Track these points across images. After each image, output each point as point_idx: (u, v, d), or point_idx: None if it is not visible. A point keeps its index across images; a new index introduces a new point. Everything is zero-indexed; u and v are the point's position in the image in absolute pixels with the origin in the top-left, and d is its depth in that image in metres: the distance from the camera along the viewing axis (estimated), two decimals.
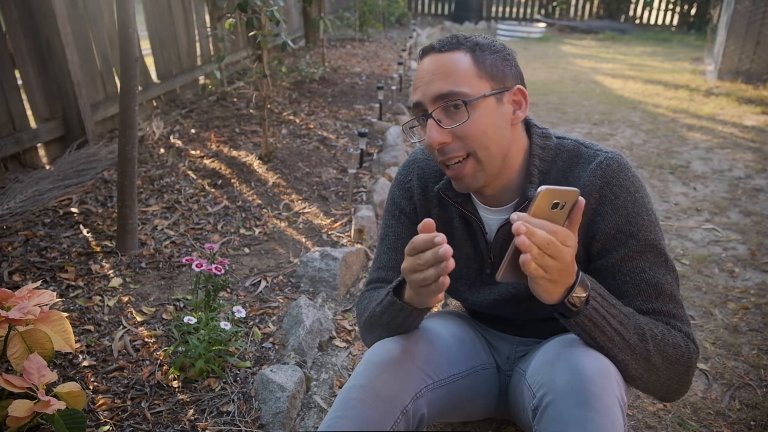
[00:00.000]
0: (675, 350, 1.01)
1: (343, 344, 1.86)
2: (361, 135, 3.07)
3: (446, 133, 1.02)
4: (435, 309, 2.05)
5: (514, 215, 0.87)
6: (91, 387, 1.56)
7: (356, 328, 1.93)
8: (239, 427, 1.45)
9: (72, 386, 1.29)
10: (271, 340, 1.81)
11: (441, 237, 0.90)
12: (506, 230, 1.14)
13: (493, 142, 1.04)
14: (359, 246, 2.37)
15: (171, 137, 3.60)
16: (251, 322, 1.89)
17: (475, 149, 1.03)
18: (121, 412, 1.48)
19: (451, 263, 0.90)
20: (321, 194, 2.87)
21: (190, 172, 3.06)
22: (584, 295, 0.93)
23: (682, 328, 1.05)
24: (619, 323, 0.97)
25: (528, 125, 1.15)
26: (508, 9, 12.59)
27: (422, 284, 0.94)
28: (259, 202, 2.77)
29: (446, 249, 0.89)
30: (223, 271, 1.65)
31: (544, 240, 0.85)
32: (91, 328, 1.81)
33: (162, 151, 3.37)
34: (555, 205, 0.88)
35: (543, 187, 0.87)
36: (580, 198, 0.90)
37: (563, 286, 0.92)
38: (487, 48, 1.06)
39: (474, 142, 1.03)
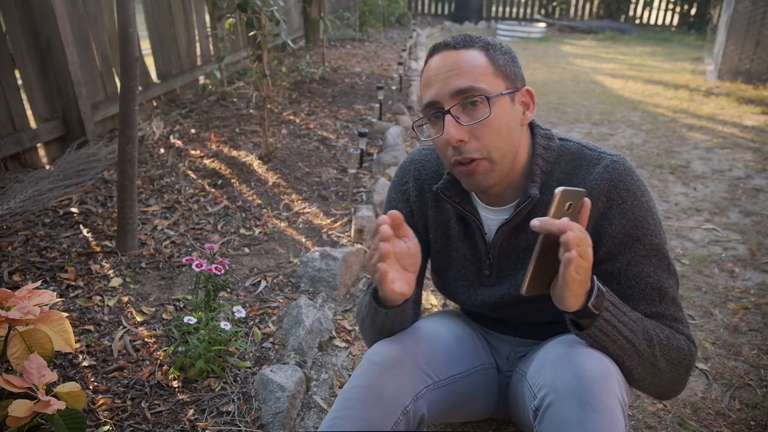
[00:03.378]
0: (678, 354, 1.03)
1: (343, 344, 1.86)
2: (361, 135, 3.07)
3: (464, 130, 1.02)
4: (435, 309, 2.05)
5: (536, 221, 0.87)
6: (91, 387, 1.56)
7: (356, 328, 1.93)
8: (239, 427, 1.45)
9: (72, 386, 1.29)
10: (271, 340, 1.81)
11: (383, 218, 0.94)
12: (506, 230, 1.14)
13: (506, 142, 1.04)
14: (359, 246, 2.37)
15: (171, 137, 3.60)
16: (251, 322, 1.89)
17: (490, 151, 1.03)
18: (121, 412, 1.48)
19: (386, 247, 0.92)
20: (321, 194, 2.87)
21: (190, 172, 3.06)
22: (600, 302, 0.94)
23: (684, 331, 1.07)
24: (630, 330, 0.97)
25: (531, 126, 1.14)
26: (508, 9, 12.59)
27: (373, 271, 0.96)
28: (259, 202, 2.77)
29: (384, 229, 0.92)
30: (223, 271, 1.65)
31: (580, 237, 0.86)
32: (91, 328, 1.81)
33: (162, 151, 3.37)
34: (569, 207, 0.89)
35: (560, 189, 0.87)
36: (586, 199, 0.91)
37: (584, 289, 0.92)
38: (498, 48, 1.06)
39: (490, 142, 1.02)
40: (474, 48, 1.04)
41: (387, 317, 1.11)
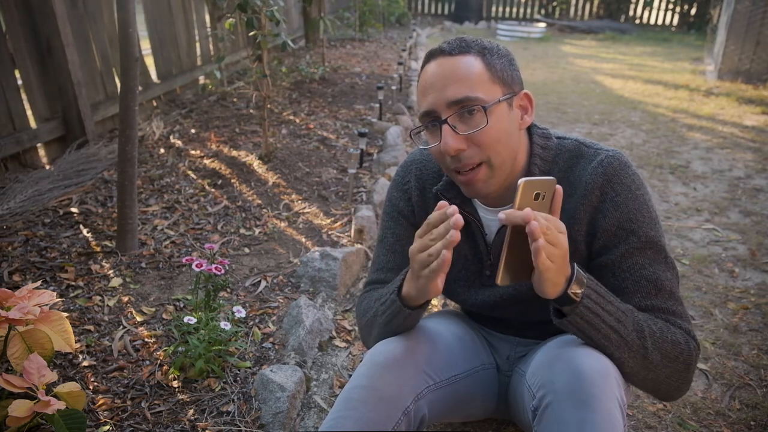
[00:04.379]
0: (674, 347, 1.01)
1: (343, 344, 1.86)
2: (361, 135, 3.07)
3: (462, 140, 1.01)
4: (435, 309, 2.05)
5: (502, 214, 0.87)
6: (91, 387, 1.56)
7: (356, 328, 1.93)
8: (239, 427, 1.45)
9: (72, 386, 1.29)
10: (271, 340, 1.81)
11: (453, 208, 0.91)
12: (505, 230, 1.14)
13: (506, 148, 1.04)
14: (359, 246, 2.37)
15: (171, 137, 3.60)
16: (251, 322, 1.89)
17: (490, 156, 1.02)
18: (121, 412, 1.48)
19: (457, 235, 0.90)
20: (321, 194, 2.87)
21: (190, 172, 3.06)
22: (580, 291, 0.94)
23: (682, 325, 1.04)
24: (616, 320, 0.96)
25: (528, 126, 1.14)
26: (508, 9, 12.60)
27: (426, 263, 0.94)
28: (259, 202, 2.77)
29: (458, 218, 0.89)
30: (223, 271, 1.65)
31: (545, 225, 0.86)
32: (91, 328, 1.81)
33: (162, 151, 3.37)
34: (537, 196, 0.90)
35: (522, 180, 0.88)
36: (558, 186, 0.91)
37: (563, 276, 0.92)
38: (494, 52, 1.05)
39: (489, 149, 1.02)
40: (470, 54, 1.03)
41: (408, 317, 1.10)
